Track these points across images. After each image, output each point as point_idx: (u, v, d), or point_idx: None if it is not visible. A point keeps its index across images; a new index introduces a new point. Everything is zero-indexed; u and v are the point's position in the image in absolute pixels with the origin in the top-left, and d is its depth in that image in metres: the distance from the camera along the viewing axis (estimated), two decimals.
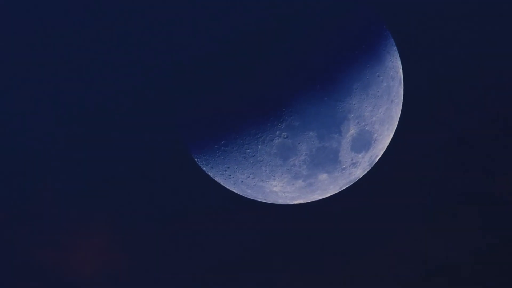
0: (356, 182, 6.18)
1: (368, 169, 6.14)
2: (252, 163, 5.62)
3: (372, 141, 5.80)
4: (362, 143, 5.72)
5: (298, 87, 5.32)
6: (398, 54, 6.02)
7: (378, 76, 5.62)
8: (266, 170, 5.65)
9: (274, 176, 5.70)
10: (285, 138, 5.45)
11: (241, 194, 6.17)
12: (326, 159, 5.60)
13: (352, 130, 5.56)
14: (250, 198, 6.17)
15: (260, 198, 6.11)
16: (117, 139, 7.17)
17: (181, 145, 5.99)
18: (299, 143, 5.46)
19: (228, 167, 5.78)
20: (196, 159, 6.03)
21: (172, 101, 5.94)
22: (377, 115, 5.68)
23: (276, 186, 5.81)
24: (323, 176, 5.73)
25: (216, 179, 6.11)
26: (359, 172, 6.04)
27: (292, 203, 6.14)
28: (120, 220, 7.43)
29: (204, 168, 6.06)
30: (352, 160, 5.74)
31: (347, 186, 6.18)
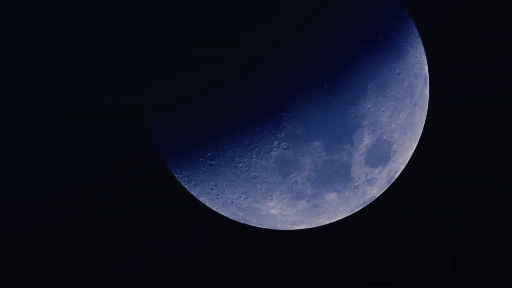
0: (371, 203, 5.85)
1: (386, 187, 5.78)
2: (245, 180, 5.28)
3: (391, 153, 5.44)
4: (379, 155, 5.35)
5: (300, 87, 4.97)
6: (422, 47, 5.63)
7: (399, 74, 5.26)
8: (261, 189, 5.30)
9: (271, 196, 5.34)
10: (284, 149, 5.08)
11: (231, 217, 5.84)
12: (335, 175, 5.26)
13: (366, 140, 5.19)
14: (242, 222, 5.87)
15: (254, 222, 5.79)
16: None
17: (157, 158, 5.68)
18: (302, 155, 5.08)
19: (216, 185, 5.43)
20: (176, 176, 5.69)
21: (144, 103, 5.60)
22: (397, 122, 5.31)
23: (274, 208, 5.44)
24: (331, 196, 5.40)
25: (200, 199, 5.75)
26: (375, 191, 5.69)
27: (293, 228, 5.82)
28: (93, 248, 6.94)
29: (186, 186, 5.73)
30: (366, 176, 5.39)
31: (360, 208, 5.83)
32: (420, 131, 5.77)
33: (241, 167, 5.24)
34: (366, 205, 5.86)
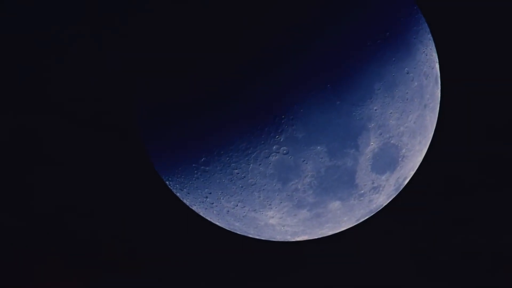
0: (378, 212, 5.78)
1: (394, 195, 5.68)
2: (242, 187, 5.19)
3: (400, 159, 5.33)
4: (386, 161, 5.24)
5: (301, 87, 4.84)
6: (433, 44, 5.52)
7: (407, 73, 5.14)
8: (259, 197, 5.20)
9: (270, 205, 5.24)
10: (284, 154, 4.98)
11: (226, 228, 5.75)
12: (339, 182, 5.17)
13: (373, 144, 5.08)
14: (238, 233, 5.79)
15: (251, 233, 5.71)
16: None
17: (147, 163, 5.60)
18: (303, 161, 4.99)
19: (210, 193, 5.33)
20: (167, 183, 5.59)
21: (133, 104, 5.50)
22: (405, 125, 5.20)
23: (273, 217, 5.34)
24: (335, 205, 5.31)
25: (194, 208, 5.66)
26: (382, 199, 5.59)
27: (294, 239, 5.74)
28: (79, 258, 6.79)
29: (178, 194, 5.63)
30: (373, 183, 5.29)
31: (366, 218, 5.75)
32: (431, 135, 5.66)
33: (238, 173, 5.13)
34: (372, 214, 5.76)
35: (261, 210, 5.30)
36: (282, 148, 4.97)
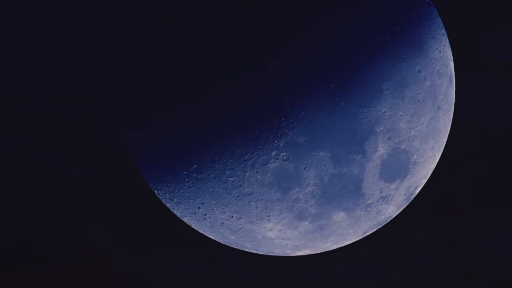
0: (387, 224, 5.67)
1: (405, 206, 5.56)
2: (237, 197, 5.04)
3: (411, 166, 5.19)
4: (396, 168, 5.10)
5: (303, 87, 4.68)
6: (447, 40, 5.40)
7: (419, 72, 4.99)
8: (257, 207, 5.06)
9: (268, 216, 5.10)
10: (284, 160, 4.84)
11: (221, 241, 5.65)
12: (344, 192, 5.03)
13: (381, 150, 4.94)
14: (234, 247, 5.68)
15: (248, 247, 5.59)
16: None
17: (134, 171, 5.52)
18: (305, 168, 4.84)
19: (203, 203, 5.19)
20: (156, 192, 5.48)
21: (119, 106, 5.38)
22: (417, 128, 5.05)
23: (271, 230, 5.20)
24: (340, 216, 5.17)
25: (185, 219, 5.54)
26: (392, 210, 5.44)
27: (294, 254, 5.62)
28: (61, 273, 6.65)
29: (167, 205, 5.51)
30: (381, 192, 5.14)
31: (374, 231, 5.65)
32: (445, 139, 5.54)
33: (233, 181, 4.99)
34: (380, 226, 5.63)
35: (258, 222, 5.17)
36: (281, 154, 4.82)
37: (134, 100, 5.20)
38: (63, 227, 6.69)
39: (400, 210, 5.56)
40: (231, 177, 4.96)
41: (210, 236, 5.61)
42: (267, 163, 4.85)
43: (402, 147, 5.03)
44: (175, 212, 5.53)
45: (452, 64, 5.47)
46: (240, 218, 5.15)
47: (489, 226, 7.13)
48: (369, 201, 5.15)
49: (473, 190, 7.18)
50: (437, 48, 5.17)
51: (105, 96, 5.91)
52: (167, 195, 5.37)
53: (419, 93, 4.99)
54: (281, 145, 4.77)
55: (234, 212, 5.13)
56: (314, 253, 5.64)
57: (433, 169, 5.57)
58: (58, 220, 6.62)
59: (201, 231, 5.57)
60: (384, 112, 4.84)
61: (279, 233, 5.22)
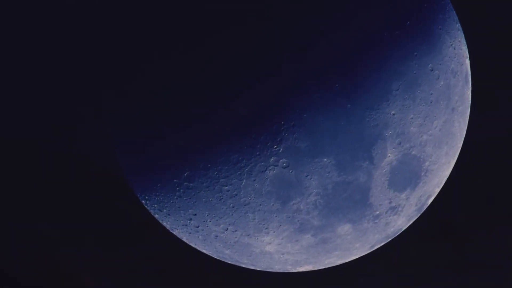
0: (396, 237, 5.53)
1: (416, 217, 5.42)
2: (233, 207, 4.88)
3: (422, 173, 5.04)
4: (407, 176, 4.95)
5: (303, 87, 4.52)
6: (463, 35, 5.28)
7: (432, 70, 4.82)
8: (254, 219, 4.90)
9: (267, 228, 4.94)
10: (284, 167, 4.68)
11: (214, 256, 5.53)
12: (350, 202, 4.88)
13: (390, 156, 4.78)
14: (229, 262, 5.56)
15: (245, 263, 5.45)
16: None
17: (120, 179, 5.40)
18: (307, 175, 4.69)
19: (195, 214, 5.02)
20: (144, 202, 5.33)
21: (104, 109, 5.24)
22: (429, 132, 4.91)
23: (270, 243, 5.05)
24: (345, 228, 5.03)
25: (175, 232, 5.42)
26: (402, 222, 5.29)
27: (295, 270, 5.48)
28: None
29: (156, 216, 5.39)
30: (390, 202, 4.98)
31: (382, 244, 5.50)
32: (460, 144, 5.42)
33: (228, 190, 4.83)
34: (389, 240, 5.49)
35: (256, 235, 5.00)
36: (281, 160, 4.66)
37: (119, 103, 5.04)
38: (34, 242, 6.69)
39: (410, 222, 5.43)
40: (226, 186, 4.82)
41: (203, 251, 5.47)
42: (265, 170, 4.71)
43: (413, 153, 4.90)
44: (164, 224, 5.41)
45: (468, 62, 5.34)
46: (236, 230, 5.01)
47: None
48: (377, 212, 5.01)
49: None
50: (451, 45, 5.04)
51: (89, 99, 5.87)
52: (155, 205, 5.23)
53: (431, 94, 4.86)
54: (281, 150, 4.63)
55: (229, 224, 4.99)
56: (316, 269, 5.51)
57: (447, 176, 5.42)
58: (30, 233, 6.56)
59: (193, 245, 5.44)
60: (393, 114, 4.71)
61: (278, 247, 5.09)
